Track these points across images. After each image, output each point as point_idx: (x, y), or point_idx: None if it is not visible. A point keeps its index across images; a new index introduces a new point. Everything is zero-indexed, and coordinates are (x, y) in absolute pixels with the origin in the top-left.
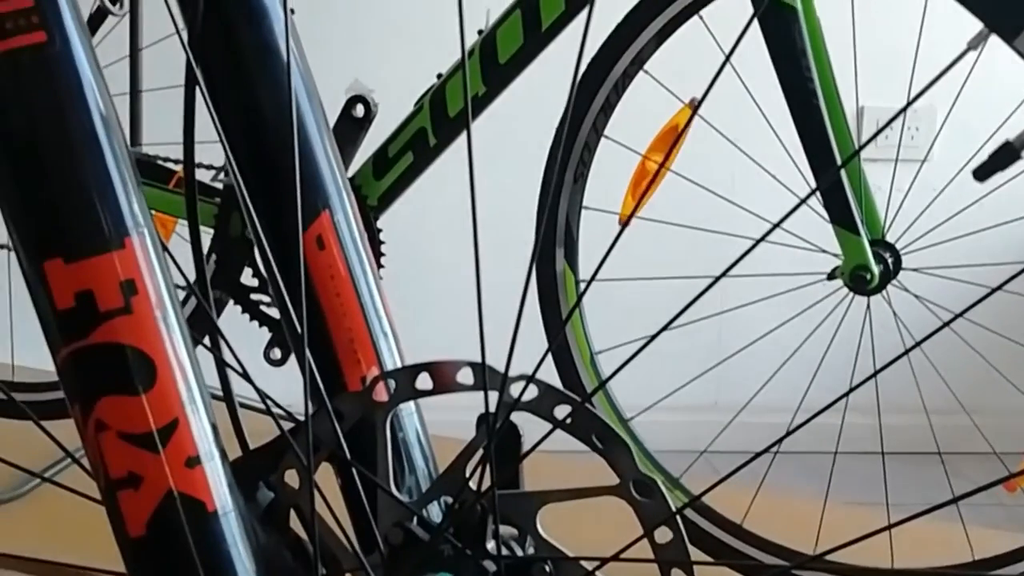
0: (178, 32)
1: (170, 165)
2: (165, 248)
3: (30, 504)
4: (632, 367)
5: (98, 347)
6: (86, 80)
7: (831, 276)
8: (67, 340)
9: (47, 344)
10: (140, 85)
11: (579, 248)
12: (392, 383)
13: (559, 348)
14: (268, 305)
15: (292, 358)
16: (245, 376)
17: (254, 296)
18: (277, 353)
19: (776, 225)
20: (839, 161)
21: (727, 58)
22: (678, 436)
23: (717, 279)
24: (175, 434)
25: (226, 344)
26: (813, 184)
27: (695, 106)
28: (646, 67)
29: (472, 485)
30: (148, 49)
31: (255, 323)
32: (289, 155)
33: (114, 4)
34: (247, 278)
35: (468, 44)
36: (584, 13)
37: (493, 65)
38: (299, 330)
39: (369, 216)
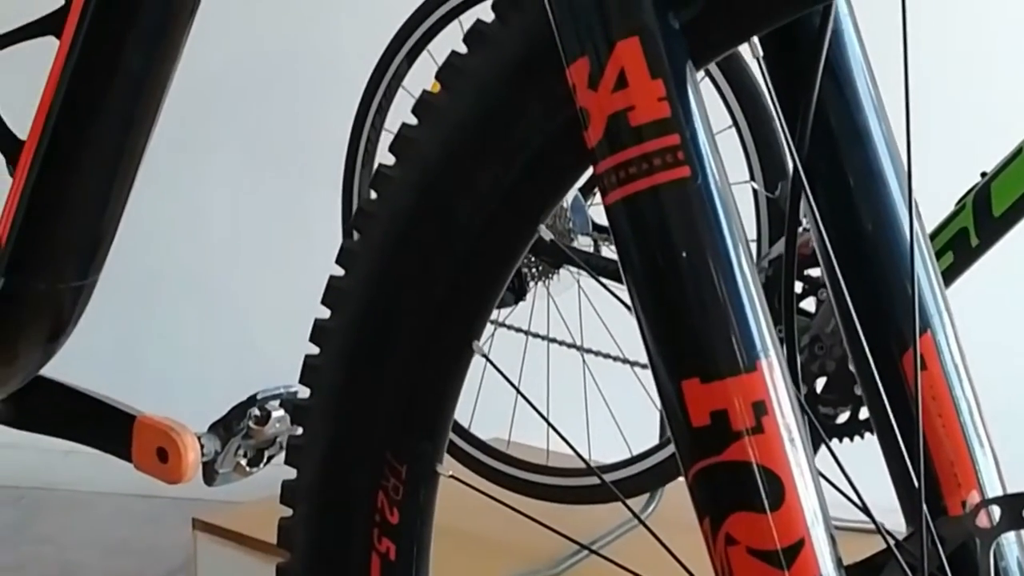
0: (790, 150)
1: None
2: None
3: None
4: None
5: (730, 464)
6: (725, 210)
7: None
8: (700, 456)
9: (679, 458)
10: None
11: None
12: (996, 510)
13: None
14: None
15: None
16: (862, 508)
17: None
18: None
19: None
20: None
21: None
22: None
23: None
24: (800, 554)
25: (834, 459)
26: None
27: None
28: None
29: None
30: None
31: None
32: (893, 275)
33: None
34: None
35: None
36: None
37: None
38: (905, 457)
39: None
